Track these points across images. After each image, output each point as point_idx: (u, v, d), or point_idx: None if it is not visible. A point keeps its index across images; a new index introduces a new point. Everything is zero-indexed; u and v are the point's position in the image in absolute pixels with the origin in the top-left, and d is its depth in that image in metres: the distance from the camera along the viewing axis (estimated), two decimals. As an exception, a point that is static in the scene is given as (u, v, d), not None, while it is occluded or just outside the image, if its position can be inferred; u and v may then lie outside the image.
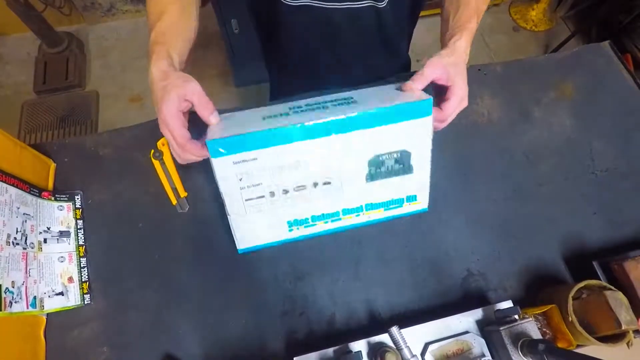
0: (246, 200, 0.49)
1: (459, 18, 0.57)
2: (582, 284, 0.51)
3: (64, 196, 0.61)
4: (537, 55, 1.89)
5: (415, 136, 0.50)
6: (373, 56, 0.76)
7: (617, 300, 0.47)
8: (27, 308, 0.50)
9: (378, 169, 0.51)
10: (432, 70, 0.50)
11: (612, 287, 0.50)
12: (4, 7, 1.55)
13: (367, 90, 0.56)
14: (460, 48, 0.53)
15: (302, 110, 0.50)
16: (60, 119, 1.72)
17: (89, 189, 0.64)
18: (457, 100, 0.51)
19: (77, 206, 0.61)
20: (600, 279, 0.54)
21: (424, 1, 0.72)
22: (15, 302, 0.49)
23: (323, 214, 0.54)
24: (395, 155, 0.51)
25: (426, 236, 0.62)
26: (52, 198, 0.59)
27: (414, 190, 0.56)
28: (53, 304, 0.54)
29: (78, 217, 0.61)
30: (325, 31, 0.68)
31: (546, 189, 0.66)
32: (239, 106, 0.71)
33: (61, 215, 0.59)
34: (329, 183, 0.51)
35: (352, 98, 0.52)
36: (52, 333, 0.54)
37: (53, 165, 0.64)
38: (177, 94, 0.44)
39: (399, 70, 0.84)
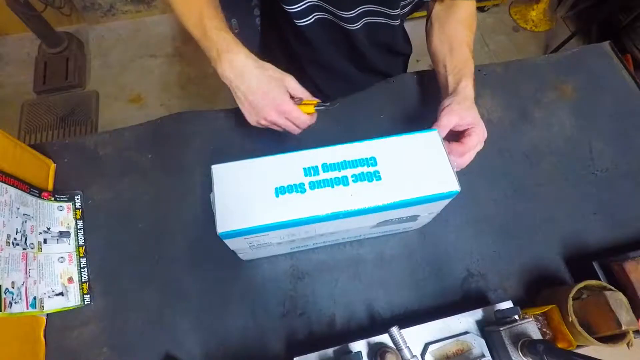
0: (250, 245, 0.49)
1: (458, 60, 0.58)
2: (582, 284, 0.51)
3: (64, 196, 0.61)
4: (537, 55, 1.89)
5: (430, 208, 0.50)
6: (383, 62, 0.76)
7: (617, 300, 0.47)
8: (27, 308, 0.50)
9: (384, 223, 0.52)
10: (448, 119, 0.51)
11: (612, 288, 0.50)
12: (4, 7, 1.55)
13: (389, 144, 0.47)
14: (471, 94, 0.55)
15: (319, 183, 0.45)
16: (60, 119, 1.72)
17: (89, 189, 0.64)
18: (477, 139, 0.52)
19: (77, 206, 0.61)
20: (600, 279, 0.54)
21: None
22: (15, 303, 0.49)
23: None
24: (404, 218, 0.51)
25: (426, 236, 0.62)
26: (52, 198, 0.59)
27: (415, 226, 0.59)
28: (53, 305, 0.54)
29: (78, 217, 0.61)
30: (344, 43, 0.69)
31: (546, 189, 0.66)
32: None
33: (61, 215, 0.59)
34: (334, 233, 0.52)
35: (374, 162, 0.46)
36: (52, 333, 0.54)
37: (53, 166, 0.64)
38: (287, 83, 0.52)
39: (402, 66, 0.85)
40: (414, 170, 0.46)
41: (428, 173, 0.46)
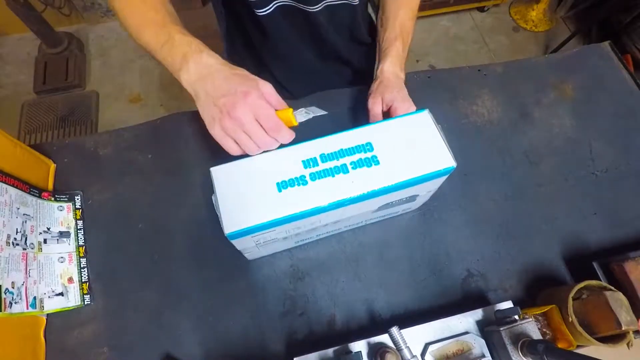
0: (256, 243, 0.50)
1: (385, 41, 0.62)
2: (582, 285, 0.51)
3: (64, 196, 0.61)
4: (537, 55, 1.90)
5: (428, 186, 0.51)
6: (345, 49, 0.77)
7: (617, 300, 0.47)
8: (27, 308, 0.50)
9: (385, 207, 0.53)
10: (376, 109, 0.56)
11: (612, 288, 0.50)
12: (4, 7, 1.55)
13: (382, 128, 0.49)
14: (386, 72, 0.59)
15: (319, 173, 0.45)
16: (60, 119, 1.72)
17: (89, 189, 0.64)
18: (402, 111, 0.55)
19: (77, 206, 0.61)
20: (600, 280, 0.54)
21: None
22: (15, 303, 0.49)
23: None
24: (404, 199, 0.52)
25: (426, 236, 0.62)
26: (52, 198, 0.59)
27: (414, 207, 0.60)
28: (53, 305, 0.54)
29: (78, 217, 0.61)
30: (306, 30, 0.69)
31: (546, 189, 0.66)
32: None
33: (61, 215, 0.59)
34: (337, 222, 0.52)
35: (370, 148, 0.47)
36: (52, 333, 0.54)
37: (53, 166, 0.64)
38: (261, 86, 0.45)
39: (364, 56, 0.84)
40: (410, 151, 0.47)
41: (424, 152, 0.47)
